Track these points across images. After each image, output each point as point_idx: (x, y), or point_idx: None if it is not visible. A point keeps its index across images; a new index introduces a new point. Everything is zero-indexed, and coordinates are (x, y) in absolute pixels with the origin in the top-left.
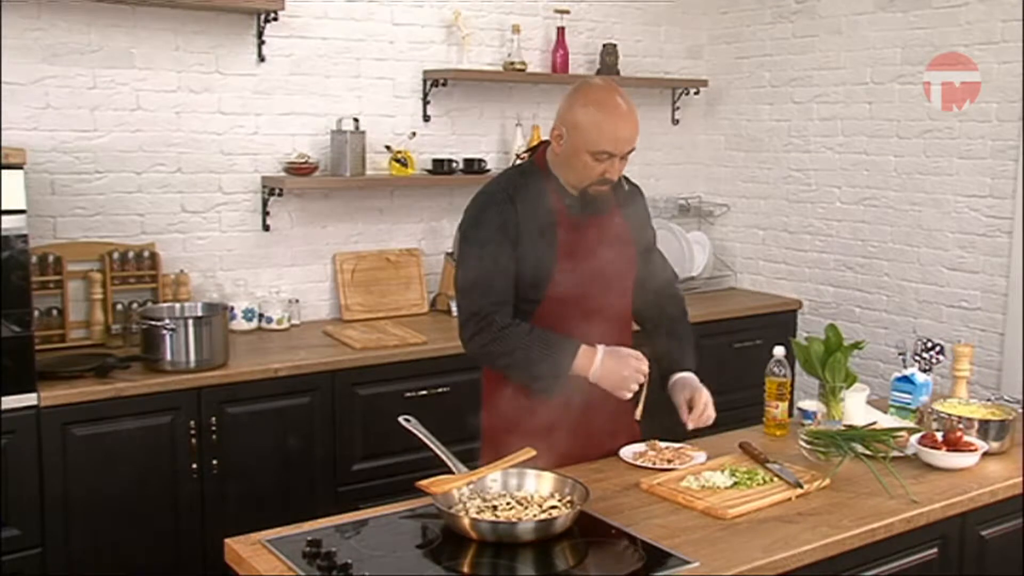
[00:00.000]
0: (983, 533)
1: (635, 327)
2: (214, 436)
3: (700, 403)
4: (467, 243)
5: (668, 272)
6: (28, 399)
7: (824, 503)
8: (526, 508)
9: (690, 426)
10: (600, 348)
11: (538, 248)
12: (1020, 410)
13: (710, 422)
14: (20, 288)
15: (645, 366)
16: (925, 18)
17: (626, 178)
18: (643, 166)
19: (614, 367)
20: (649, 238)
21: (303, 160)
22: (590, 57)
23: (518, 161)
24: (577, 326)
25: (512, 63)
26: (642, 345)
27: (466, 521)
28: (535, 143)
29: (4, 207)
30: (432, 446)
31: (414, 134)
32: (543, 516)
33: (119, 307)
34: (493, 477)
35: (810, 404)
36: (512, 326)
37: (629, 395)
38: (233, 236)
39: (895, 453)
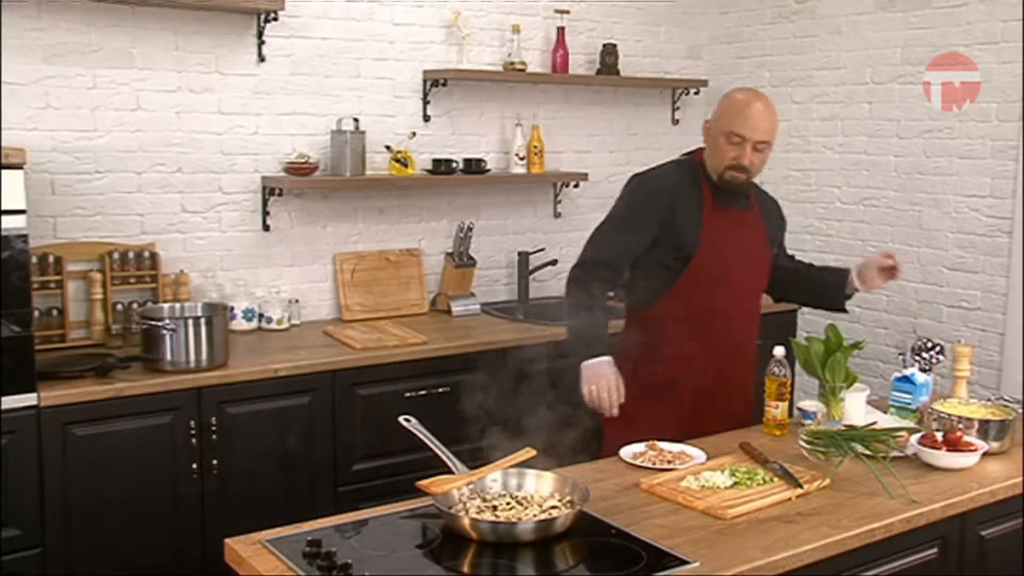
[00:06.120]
0: (983, 533)
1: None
2: (214, 436)
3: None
4: (614, 208)
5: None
6: (28, 399)
7: (824, 503)
8: (526, 508)
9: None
10: (602, 359)
11: (685, 225)
12: (1020, 410)
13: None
14: (20, 288)
15: (600, 396)
16: (925, 18)
17: (766, 192)
18: (643, 166)
19: (594, 374)
20: (782, 238)
21: (303, 160)
22: (590, 57)
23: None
24: (712, 295)
25: (512, 63)
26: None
27: (466, 521)
28: (535, 143)
29: (4, 207)
30: (432, 446)
31: (414, 134)
32: (543, 516)
33: (119, 307)
34: (493, 477)
35: (810, 404)
36: (586, 300)
37: (586, 397)
38: (233, 236)
39: (895, 453)
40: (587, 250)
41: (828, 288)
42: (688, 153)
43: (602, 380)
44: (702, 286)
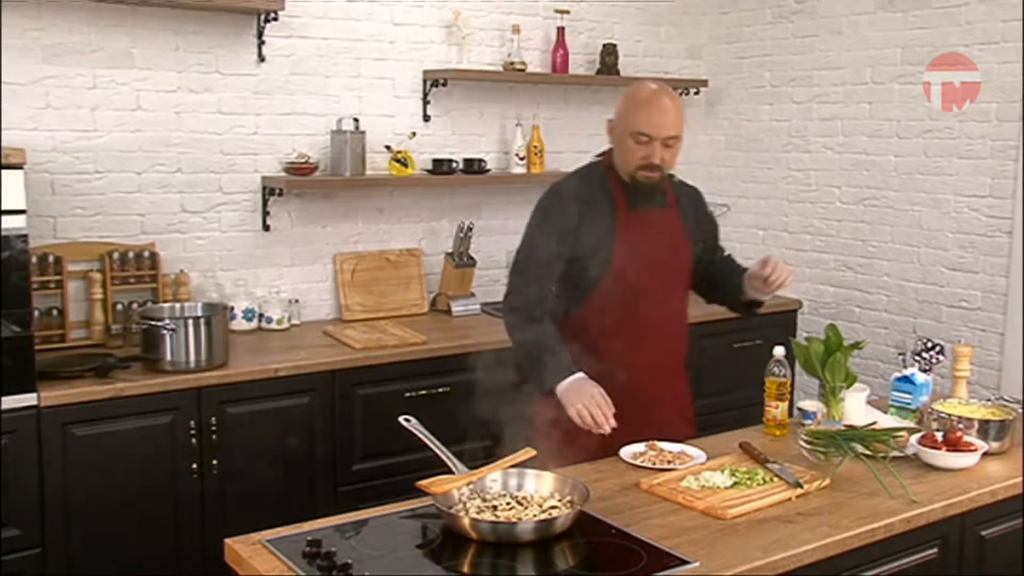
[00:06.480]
0: (983, 533)
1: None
2: (214, 436)
3: (771, 261)
4: (527, 229)
5: (726, 257)
6: (28, 399)
7: (824, 503)
8: (526, 508)
9: (769, 274)
10: (577, 374)
11: (598, 234)
12: (1020, 410)
13: (787, 278)
14: (20, 288)
15: (598, 410)
16: (925, 18)
17: (684, 182)
18: None
19: (576, 394)
20: (708, 230)
21: (303, 160)
22: (590, 57)
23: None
24: (632, 302)
25: (512, 63)
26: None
27: (466, 521)
28: (535, 143)
29: (4, 207)
30: (432, 446)
31: (414, 134)
32: (543, 516)
33: (119, 307)
34: (493, 477)
35: (810, 404)
36: (530, 322)
37: (577, 419)
38: (233, 236)
39: (895, 453)
40: (512, 279)
41: (733, 292)
42: (600, 155)
43: (587, 397)
44: (622, 294)
